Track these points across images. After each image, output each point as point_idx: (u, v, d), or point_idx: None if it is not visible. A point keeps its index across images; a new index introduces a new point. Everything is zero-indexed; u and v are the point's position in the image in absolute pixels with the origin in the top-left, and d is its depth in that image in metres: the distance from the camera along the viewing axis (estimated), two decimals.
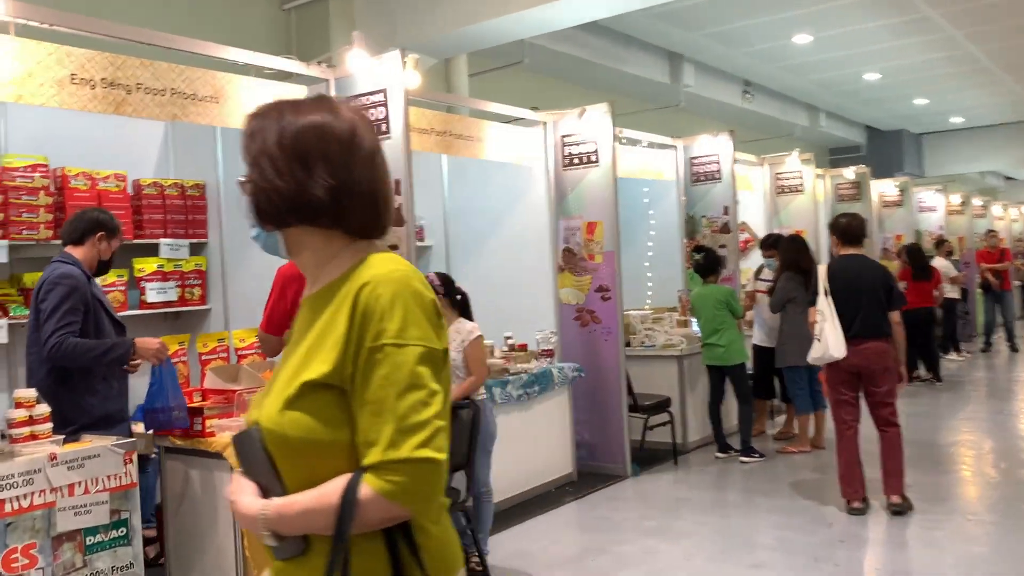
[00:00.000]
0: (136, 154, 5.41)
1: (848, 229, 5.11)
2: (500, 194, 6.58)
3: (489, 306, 6.65)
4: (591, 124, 6.25)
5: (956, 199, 14.73)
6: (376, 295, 1.35)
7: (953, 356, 11.93)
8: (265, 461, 1.38)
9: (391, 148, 4.60)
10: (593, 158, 6.24)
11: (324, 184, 1.39)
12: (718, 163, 7.78)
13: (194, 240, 5.44)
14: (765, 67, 12.79)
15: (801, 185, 9.28)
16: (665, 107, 12.45)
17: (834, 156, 18.04)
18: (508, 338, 6.03)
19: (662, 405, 6.46)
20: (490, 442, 4.36)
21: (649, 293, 7.94)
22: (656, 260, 7.97)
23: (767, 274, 7.16)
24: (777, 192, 9.47)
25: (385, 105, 4.58)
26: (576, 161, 6.32)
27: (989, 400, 8.98)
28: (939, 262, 11.61)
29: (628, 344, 7.18)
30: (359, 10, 7.47)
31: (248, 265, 5.27)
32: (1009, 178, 25.35)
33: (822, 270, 5.07)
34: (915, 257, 9.95)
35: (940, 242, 11.86)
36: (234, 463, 3.15)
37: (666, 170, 7.73)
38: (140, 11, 6.06)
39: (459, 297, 4.42)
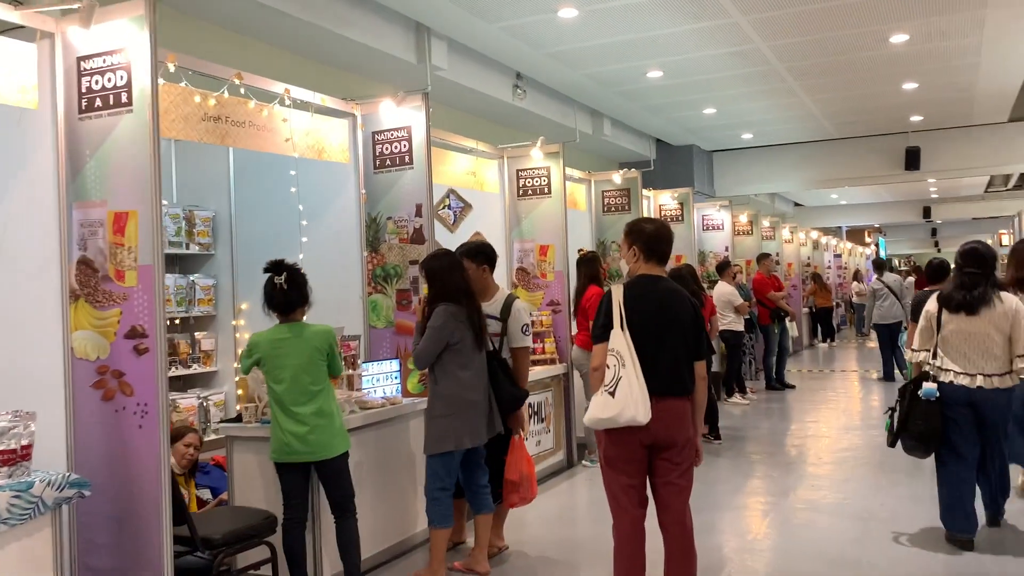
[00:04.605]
0: None
1: (657, 238, 3.63)
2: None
3: None
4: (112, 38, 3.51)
5: (744, 218, 13.29)
6: None
7: (737, 399, 10.18)
8: None
9: None
10: (124, 98, 3.50)
11: None
12: (408, 142, 5.27)
13: None
14: (534, 54, 10.60)
15: (548, 186, 7.00)
16: (413, 92, 9.94)
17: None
18: None
19: (250, 534, 3.73)
20: None
21: None
22: (328, 283, 5.30)
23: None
24: (520, 194, 7.14)
25: None
26: (99, 104, 3.55)
27: (773, 470, 6.96)
28: (721, 288, 9.80)
29: (238, 419, 4.49)
30: None
31: None
32: (798, 204, 25.24)
33: (616, 292, 3.54)
34: (684, 282, 7.00)
35: (723, 265, 10.05)
36: None
37: (333, 143, 5.12)
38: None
39: None
